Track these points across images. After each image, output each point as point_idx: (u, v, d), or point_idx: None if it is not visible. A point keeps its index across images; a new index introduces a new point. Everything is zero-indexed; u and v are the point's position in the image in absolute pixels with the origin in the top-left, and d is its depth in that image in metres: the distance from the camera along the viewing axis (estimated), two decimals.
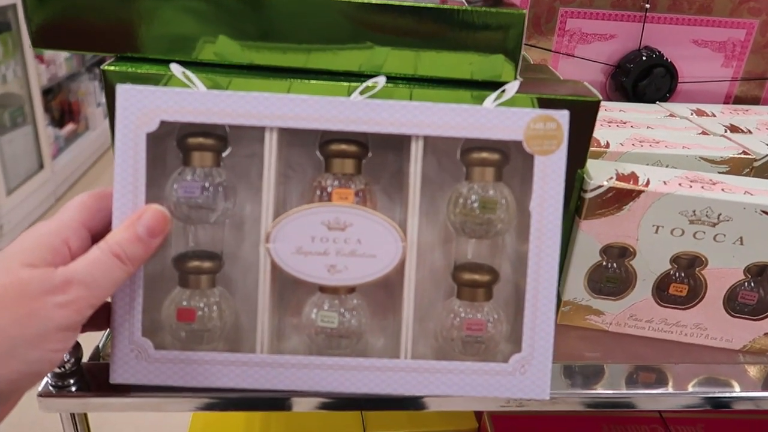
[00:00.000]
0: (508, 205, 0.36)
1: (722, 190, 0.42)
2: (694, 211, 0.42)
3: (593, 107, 0.41)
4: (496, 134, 0.34)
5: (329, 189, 0.36)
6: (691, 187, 0.42)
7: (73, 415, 0.41)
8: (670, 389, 0.44)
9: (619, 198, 0.42)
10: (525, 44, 0.64)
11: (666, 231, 0.43)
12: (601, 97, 0.41)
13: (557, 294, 0.47)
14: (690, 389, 0.44)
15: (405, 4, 0.40)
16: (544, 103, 0.41)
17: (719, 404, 0.44)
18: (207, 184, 0.35)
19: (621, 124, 0.56)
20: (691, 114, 0.61)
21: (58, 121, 2.39)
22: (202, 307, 0.36)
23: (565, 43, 0.64)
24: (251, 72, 0.41)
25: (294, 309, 0.39)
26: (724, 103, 0.68)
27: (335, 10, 0.40)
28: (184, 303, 0.36)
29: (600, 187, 0.42)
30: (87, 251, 0.31)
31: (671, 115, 0.60)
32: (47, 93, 2.24)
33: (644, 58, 0.63)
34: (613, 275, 0.45)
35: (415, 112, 0.34)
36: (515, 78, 0.41)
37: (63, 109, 2.45)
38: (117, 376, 0.35)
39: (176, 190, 0.35)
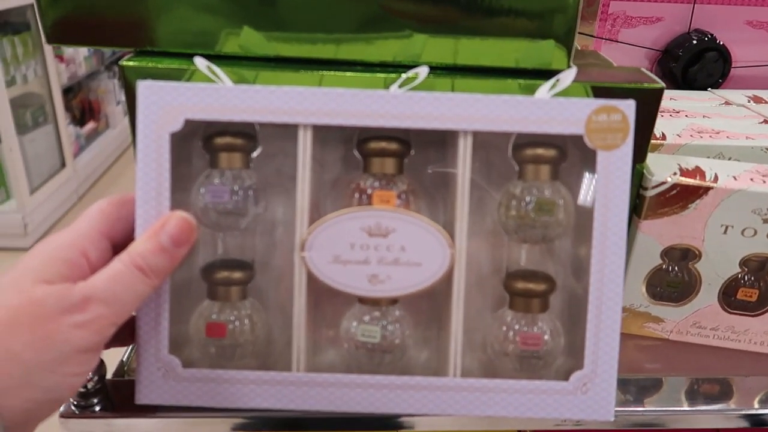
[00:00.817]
0: (566, 206, 0.33)
1: None
2: None
3: (656, 95, 0.37)
4: (554, 128, 0.31)
5: (369, 191, 0.33)
6: (764, 182, 0.38)
7: None
8: (732, 405, 0.40)
9: (684, 195, 0.38)
10: None
11: (736, 231, 0.39)
12: (663, 85, 0.37)
13: None
14: (757, 405, 0.40)
15: None
16: (601, 92, 0.37)
17: None
18: (236, 188, 0.33)
19: (674, 114, 0.51)
20: (749, 101, 0.56)
21: (79, 120, 2.40)
22: (232, 320, 0.33)
23: (608, 28, 0.60)
24: (279, 65, 0.38)
25: (330, 320, 0.36)
26: None
27: None
28: (214, 317, 0.33)
29: (663, 183, 0.38)
30: (107, 263, 0.28)
31: (727, 103, 0.56)
32: (67, 92, 2.24)
33: (694, 41, 0.59)
34: (674, 279, 0.41)
35: (464, 105, 0.31)
36: (569, 66, 0.37)
37: (83, 108, 2.46)
38: (143, 397, 0.32)
39: (203, 195, 0.33)
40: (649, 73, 0.39)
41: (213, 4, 0.37)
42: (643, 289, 0.42)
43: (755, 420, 0.40)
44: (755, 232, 0.39)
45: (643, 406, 0.39)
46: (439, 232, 0.32)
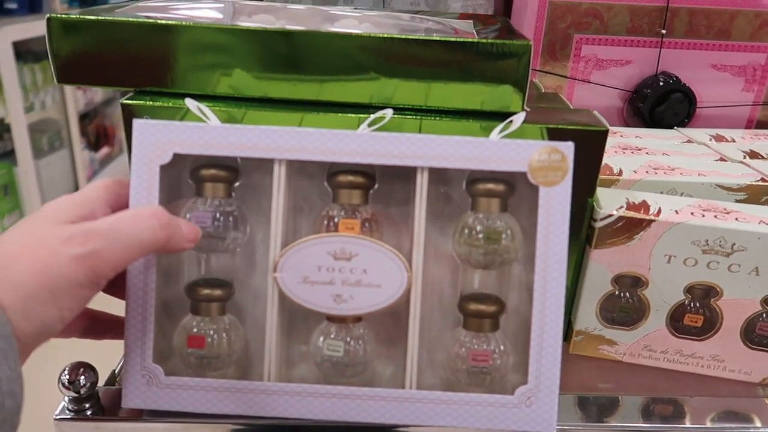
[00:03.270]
0: (513, 235, 0.36)
1: (736, 219, 0.42)
2: (707, 241, 0.41)
3: (602, 137, 0.41)
4: (500, 166, 0.35)
5: (336, 219, 0.36)
6: (703, 216, 0.42)
7: None
8: (687, 423, 0.43)
9: (629, 227, 0.42)
10: (540, 71, 0.64)
11: (679, 261, 0.42)
12: (608, 127, 0.41)
13: (570, 324, 0.47)
14: (709, 424, 0.43)
15: (413, 37, 0.40)
16: (553, 133, 0.41)
17: None
18: (218, 214, 0.37)
19: (636, 151, 0.55)
20: (710, 139, 0.60)
21: (94, 145, 2.47)
22: (211, 334, 0.37)
23: (580, 69, 0.65)
24: (265, 104, 0.42)
25: (303, 337, 0.39)
26: (746, 127, 0.67)
27: (347, 44, 0.41)
28: (195, 330, 0.37)
29: (610, 216, 0.42)
30: None
31: (689, 141, 0.59)
32: (84, 117, 2.32)
33: (661, 83, 0.63)
34: (625, 305, 0.44)
35: (420, 145, 0.35)
36: (522, 108, 0.41)
37: (99, 133, 2.54)
38: (128, 401, 0.36)
39: (189, 220, 0.37)
40: (598, 116, 0.43)
41: (209, 50, 0.41)
42: (597, 314, 0.45)
43: None
44: (696, 262, 0.42)
45: (602, 422, 0.42)
46: (397, 257, 0.36)
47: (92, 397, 0.41)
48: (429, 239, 0.38)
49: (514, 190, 0.37)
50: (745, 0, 0.62)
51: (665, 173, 0.49)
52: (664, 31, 0.62)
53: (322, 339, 0.37)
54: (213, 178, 0.37)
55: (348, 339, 0.37)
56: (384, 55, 0.41)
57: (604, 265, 0.43)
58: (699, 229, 0.41)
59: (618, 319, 0.45)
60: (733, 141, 0.60)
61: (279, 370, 0.37)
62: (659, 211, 0.42)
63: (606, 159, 0.53)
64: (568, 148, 0.35)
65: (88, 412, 0.40)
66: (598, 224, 0.42)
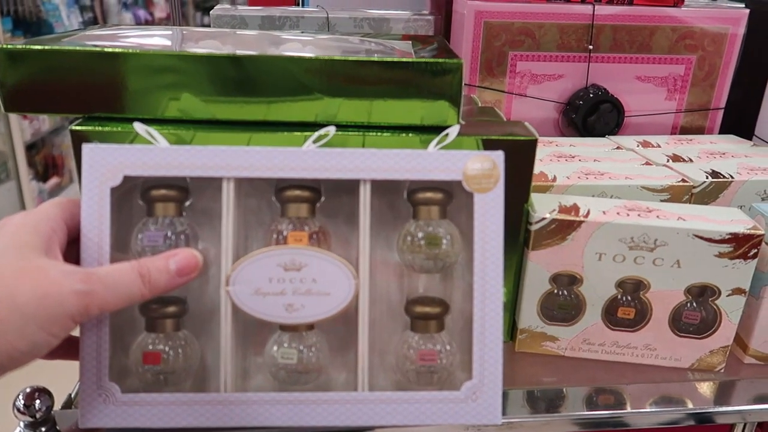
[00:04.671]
0: (452, 240, 0.39)
1: (657, 216, 0.45)
2: (632, 238, 0.44)
3: (531, 145, 0.44)
4: (437, 175, 0.37)
5: (285, 232, 0.38)
6: (628, 215, 0.45)
7: None
8: (628, 409, 0.46)
9: (562, 229, 0.45)
10: (480, 86, 0.68)
11: (609, 258, 0.45)
12: (537, 136, 0.44)
13: (514, 323, 0.50)
14: (647, 408, 0.46)
15: (352, 58, 0.43)
16: (487, 143, 0.44)
17: (676, 421, 0.46)
18: (169, 233, 0.38)
19: (570, 159, 0.59)
20: (637, 146, 0.64)
21: (42, 176, 2.41)
22: (167, 350, 0.38)
23: (517, 84, 0.68)
24: (214, 126, 0.44)
25: (258, 347, 0.41)
26: (671, 133, 0.72)
27: (291, 67, 0.43)
28: (150, 347, 0.38)
29: (543, 219, 0.45)
30: (66, 247, 0.34)
31: (618, 148, 0.64)
32: (31, 148, 2.27)
33: (591, 95, 0.67)
34: (564, 302, 0.47)
35: (362, 158, 0.37)
36: (458, 122, 0.44)
37: (47, 163, 2.48)
38: (86, 421, 0.36)
39: (140, 240, 0.38)
40: (529, 127, 0.46)
41: (156, 75, 0.43)
42: (539, 312, 0.48)
43: (649, 420, 0.45)
44: (624, 258, 0.45)
45: (550, 414, 0.45)
46: (344, 265, 0.38)
47: (48, 421, 0.41)
48: (375, 247, 0.40)
49: (452, 198, 0.39)
50: (663, 17, 0.67)
51: (596, 178, 0.53)
52: (591, 47, 0.67)
53: (275, 348, 0.39)
54: (163, 198, 0.38)
55: (301, 347, 0.38)
56: (326, 76, 0.43)
57: (542, 265, 0.46)
58: (624, 227, 0.44)
59: (558, 316, 0.48)
60: (659, 146, 0.64)
61: (235, 381, 0.38)
62: (588, 213, 0.45)
63: (542, 167, 0.56)
64: (498, 156, 0.37)
65: None
66: (534, 227, 0.45)
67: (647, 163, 0.58)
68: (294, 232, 0.38)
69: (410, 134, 0.44)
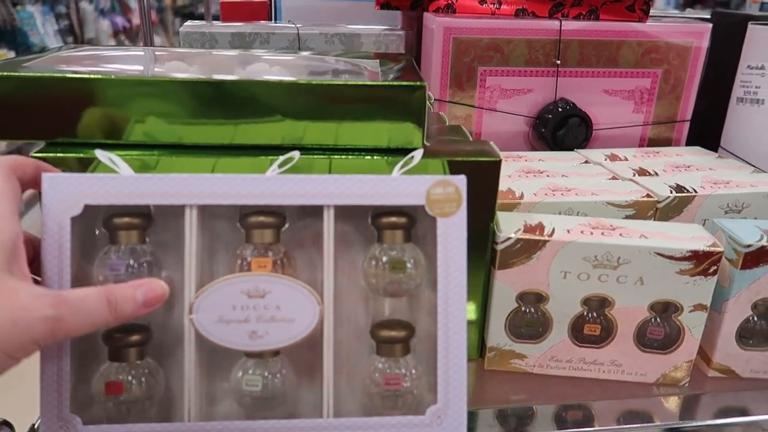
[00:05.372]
0: (417, 264, 0.39)
1: (620, 234, 0.46)
2: (596, 257, 0.45)
3: (496, 166, 0.44)
4: (400, 201, 0.38)
5: (248, 258, 0.38)
6: (592, 233, 0.46)
7: None
8: (596, 426, 0.46)
9: (527, 248, 0.45)
10: (450, 102, 0.68)
11: (573, 276, 0.46)
12: (501, 157, 0.44)
13: (483, 341, 0.50)
14: (615, 425, 0.46)
15: (315, 82, 0.43)
16: (453, 165, 0.44)
17: None
18: (132, 262, 0.37)
19: (538, 174, 0.59)
20: (605, 159, 0.65)
21: None
22: (129, 380, 0.38)
23: (487, 99, 0.69)
24: (179, 150, 0.44)
25: (225, 372, 0.41)
26: (640, 145, 0.73)
27: (257, 90, 0.43)
28: (113, 377, 0.38)
29: (509, 239, 0.45)
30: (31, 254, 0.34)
31: (586, 162, 0.64)
32: None
33: (560, 109, 0.68)
34: (531, 320, 0.48)
35: (325, 184, 0.37)
36: (422, 144, 0.44)
37: None
38: None
39: (102, 269, 0.37)
40: (494, 147, 0.47)
41: (120, 99, 0.42)
42: (506, 330, 0.48)
43: None
44: (589, 276, 0.46)
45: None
46: (308, 291, 0.38)
47: None
48: (342, 270, 0.40)
49: (416, 222, 0.40)
50: (629, 31, 0.68)
51: (562, 194, 0.54)
52: (558, 62, 0.68)
53: (240, 374, 0.39)
54: (126, 226, 0.38)
55: (266, 373, 0.38)
56: (291, 99, 0.43)
57: (508, 284, 0.47)
58: (588, 246, 0.45)
59: (525, 334, 0.48)
60: (626, 159, 0.65)
61: (201, 409, 0.38)
62: (553, 232, 0.46)
63: (510, 183, 0.57)
64: (460, 181, 0.38)
65: None
66: (500, 247, 0.46)
67: (614, 178, 0.59)
68: (257, 258, 0.38)
69: (376, 157, 0.44)
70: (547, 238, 0.45)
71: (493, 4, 0.70)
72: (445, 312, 0.38)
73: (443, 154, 0.45)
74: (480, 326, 0.50)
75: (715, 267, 0.44)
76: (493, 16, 0.70)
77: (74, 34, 3.81)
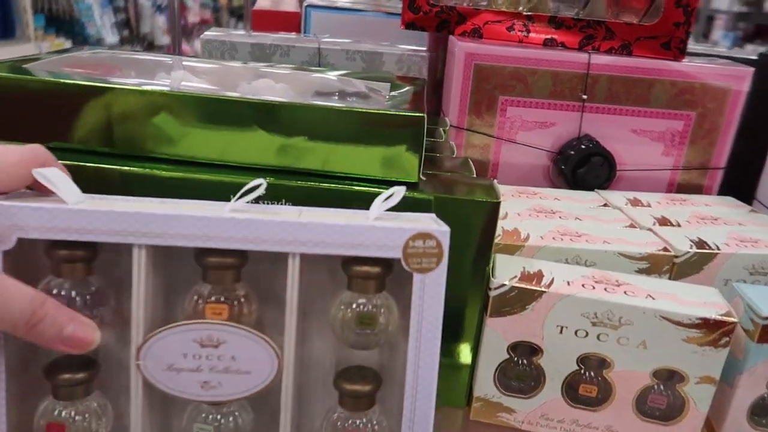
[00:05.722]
0: (388, 316, 0.36)
1: (625, 292, 0.42)
2: (595, 314, 0.42)
3: (493, 208, 0.41)
4: (373, 252, 0.33)
5: (203, 302, 0.35)
6: (593, 288, 0.42)
7: None
8: None
9: (522, 297, 0.42)
10: (468, 130, 0.66)
11: (570, 332, 0.42)
12: (500, 200, 0.41)
13: (470, 389, 0.47)
14: None
15: (300, 103, 0.41)
16: (442, 202, 0.41)
17: None
18: (74, 294, 0.34)
19: (550, 215, 0.56)
20: (626, 203, 0.61)
21: None
22: (73, 419, 0.35)
23: (507, 129, 0.66)
24: (164, 165, 0.42)
25: (178, 412, 0.38)
26: (668, 191, 0.69)
27: (244, 109, 0.41)
28: (55, 415, 0.35)
29: (503, 286, 0.42)
30: None
31: (605, 205, 0.61)
32: None
33: (582, 146, 0.64)
34: (522, 373, 0.45)
35: (290, 230, 0.33)
36: (418, 176, 0.42)
37: None
38: None
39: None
40: (496, 187, 0.44)
41: (109, 107, 0.41)
42: (495, 381, 0.45)
43: None
44: (587, 334, 0.42)
45: None
46: (267, 344, 0.34)
47: None
48: (310, 312, 0.37)
49: (392, 271, 0.36)
50: (663, 70, 0.64)
51: (571, 239, 0.50)
52: (585, 96, 0.64)
53: (191, 423, 0.36)
54: (70, 259, 0.34)
55: (220, 419, 0.36)
56: (282, 119, 0.41)
57: (500, 332, 0.44)
58: (588, 302, 0.41)
59: (515, 387, 0.45)
60: (648, 206, 0.61)
61: None
62: (552, 282, 0.43)
63: (518, 222, 0.53)
64: (443, 234, 0.33)
65: None
66: (493, 293, 0.43)
67: (631, 226, 0.55)
68: (213, 304, 0.35)
69: (363, 187, 0.42)
70: (544, 289, 0.42)
71: (521, 31, 0.68)
72: (413, 375, 0.35)
73: (437, 191, 0.42)
74: (471, 372, 0.47)
75: (727, 338, 0.40)
76: (519, 44, 0.67)
77: (130, 28, 3.92)
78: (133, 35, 3.95)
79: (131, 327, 0.34)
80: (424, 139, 0.41)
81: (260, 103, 0.41)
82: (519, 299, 0.42)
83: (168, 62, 0.56)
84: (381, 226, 0.33)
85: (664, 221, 0.57)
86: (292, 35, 0.76)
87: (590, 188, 0.66)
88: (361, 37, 0.77)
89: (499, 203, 0.41)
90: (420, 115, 0.41)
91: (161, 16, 4.32)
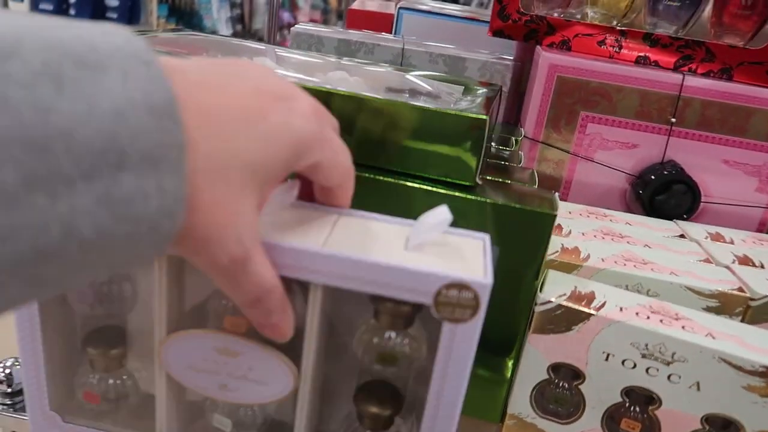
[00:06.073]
0: (413, 353, 0.34)
1: (683, 327, 0.39)
2: (646, 345, 0.39)
3: (548, 220, 0.40)
4: (401, 294, 0.29)
5: (222, 314, 0.34)
6: (648, 318, 0.40)
7: None
8: None
9: (568, 317, 0.40)
10: (543, 143, 0.64)
11: (617, 360, 0.40)
12: (555, 213, 0.40)
13: (506, 404, 0.45)
14: None
15: (357, 95, 0.41)
16: (496, 209, 0.40)
17: None
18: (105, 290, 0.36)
19: (617, 238, 0.53)
20: (706, 237, 0.57)
21: None
22: (105, 388, 0.38)
23: (585, 146, 0.63)
24: None
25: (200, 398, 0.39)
26: (758, 230, 0.63)
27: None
28: (90, 383, 0.38)
29: (549, 302, 0.41)
30: None
31: (682, 236, 0.57)
32: None
33: (665, 172, 0.61)
34: (561, 396, 0.43)
35: (313, 260, 0.30)
36: (475, 180, 0.41)
37: None
38: None
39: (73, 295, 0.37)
40: (555, 200, 0.42)
41: None
42: (531, 400, 0.43)
43: None
44: (635, 365, 0.40)
45: None
46: (284, 362, 0.33)
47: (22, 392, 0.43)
48: (338, 327, 0.36)
49: (422, 308, 0.32)
50: (765, 99, 0.59)
51: (635, 266, 0.47)
52: (674, 120, 0.61)
53: (210, 411, 0.37)
54: None
55: (239, 414, 0.37)
56: (342, 110, 0.42)
57: (541, 351, 0.42)
58: (638, 331, 0.39)
59: (552, 410, 0.43)
60: (731, 242, 0.57)
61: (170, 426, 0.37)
62: (602, 306, 0.40)
63: (580, 241, 0.51)
64: (483, 287, 0.29)
65: (18, 406, 0.42)
66: (538, 309, 0.41)
67: (706, 261, 0.51)
68: (231, 317, 0.33)
69: (424, 184, 0.41)
70: (593, 311, 0.40)
71: (613, 46, 0.65)
72: (431, 425, 0.32)
73: (495, 196, 0.41)
74: (509, 388, 0.45)
75: None
76: (608, 60, 0.64)
77: (243, 23, 4.13)
78: (245, 30, 4.16)
79: (154, 322, 0.34)
80: (485, 142, 0.41)
81: (317, 90, 0.41)
82: (565, 319, 0.41)
83: (258, 48, 0.59)
84: (412, 269, 0.29)
85: (745, 260, 0.52)
86: (380, 34, 0.77)
87: (669, 217, 0.62)
88: (451, 42, 0.76)
89: (554, 216, 0.40)
90: (483, 117, 0.40)
91: None
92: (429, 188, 0.41)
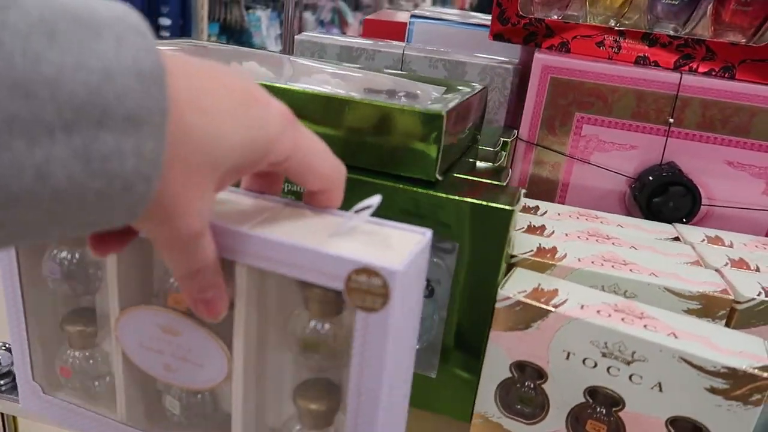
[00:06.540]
0: (337, 344, 0.33)
1: (645, 326, 0.38)
2: (605, 344, 0.38)
3: (505, 216, 0.40)
4: (317, 279, 0.29)
5: (166, 291, 0.35)
6: (609, 316, 0.39)
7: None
8: None
9: (527, 314, 0.40)
10: (538, 145, 0.63)
11: (578, 359, 0.39)
12: (513, 208, 0.39)
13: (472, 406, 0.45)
14: None
15: (321, 93, 0.42)
16: (455, 204, 0.40)
17: None
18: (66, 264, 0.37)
19: (603, 240, 0.52)
20: (703, 240, 0.55)
21: None
22: (78, 365, 0.40)
23: (581, 148, 0.62)
24: None
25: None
26: (766, 235, 0.60)
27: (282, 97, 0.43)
28: (65, 359, 0.40)
29: (508, 299, 0.40)
30: None
31: (676, 239, 0.55)
32: None
33: (663, 174, 0.59)
34: (526, 395, 0.42)
35: (237, 239, 0.30)
36: (435, 176, 0.41)
37: None
38: (24, 405, 0.40)
39: (44, 269, 0.39)
40: (519, 195, 0.42)
41: None
42: (496, 399, 0.43)
43: None
44: (595, 364, 0.39)
45: None
46: (218, 345, 0.34)
47: (10, 374, 0.46)
48: (273, 319, 0.35)
49: None
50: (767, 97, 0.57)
51: (613, 266, 0.46)
52: (672, 120, 0.59)
53: (164, 393, 0.39)
54: None
55: (188, 399, 0.38)
56: (311, 109, 0.43)
57: (503, 348, 0.41)
58: (597, 329, 0.38)
59: (518, 410, 0.42)
60: (730, 246, 0.54)
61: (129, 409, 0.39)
62: (563, 303, 0.40)
63: (561, 242, 0.50)
64: (392, 275, 0.27)
65: (3, 388, 0.45)
66: (498, 305, 0.41)
67: (695, 263, 0.49)
68: (176, 294, 0.34)
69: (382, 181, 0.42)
70: (551, 308, 0.39)
71: (612, 47, 0.64)
72: (353, 423, 0.31)
73: (455, 191, 0.41)
74: (476, 385, 0.45)
75: (759, 396, 0.35)
76: (604, 60, 0.63)
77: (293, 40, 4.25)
78: (291, 46, 4.26)
79: (107, 299, 0.36)
80: (443, 137, 0.41)
81: (279, 88, 0.43)
82: (524, 316, 0.40)
83: (247, 53, 0.61)
84: (322, 252, 0.28)
85: (740, 263, 0.50)
86: (382, 41, 0.78)
87: (667, 221, 0.60)
88: (463, 50, 0.77)
89: (511, 211, 0.40)
90: (437, 112, 0.40)
91: (321, 31, 4.62)
92: (390, 184, 0.42)
